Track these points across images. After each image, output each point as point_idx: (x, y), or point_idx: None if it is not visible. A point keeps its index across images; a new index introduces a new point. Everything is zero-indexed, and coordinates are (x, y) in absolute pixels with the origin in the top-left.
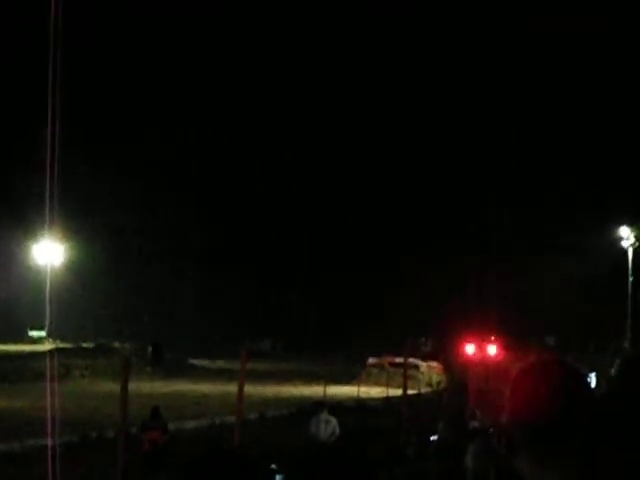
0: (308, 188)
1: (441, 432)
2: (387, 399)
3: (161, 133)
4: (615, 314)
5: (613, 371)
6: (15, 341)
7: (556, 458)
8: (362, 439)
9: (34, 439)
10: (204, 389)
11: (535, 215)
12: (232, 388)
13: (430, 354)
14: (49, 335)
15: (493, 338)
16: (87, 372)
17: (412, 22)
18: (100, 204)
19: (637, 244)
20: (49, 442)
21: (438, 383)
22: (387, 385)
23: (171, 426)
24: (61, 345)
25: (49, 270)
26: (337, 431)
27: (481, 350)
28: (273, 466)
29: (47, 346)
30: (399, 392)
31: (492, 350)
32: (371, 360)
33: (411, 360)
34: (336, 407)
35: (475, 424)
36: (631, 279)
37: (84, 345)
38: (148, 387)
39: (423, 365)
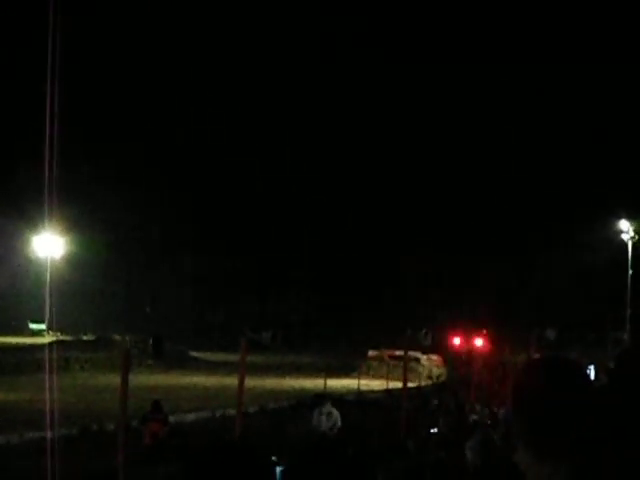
0: (306, 182)
1: (441, 425)
2: (387, 392)
3: (162, 129)
4: (614, 307)
5: (612, 363)
6: (15, 333)
7: (555, 451)
8: (362, 432)
9: (34, 432)
10: (205, 382)
11: (535, 209)
12: (232, 380)
13: (430, 347)
14: (49, 328)
15: (483, 332)
16: (87, 365)
17: (412, 22)
18: (101, 197)
19: (636, 237)
20: (48, 435)
21: (438, 376)
22: (387, 378)
23: (172, 419)
24: (61, 338)
25: (49, 263)
26: (339, 423)
27: (467, 342)
28: (273, 458)
29: (47, 339)
30: (399, 385)
31: (479, 342)
32: (371, 353)
33: (411, 353)
34: (339, 400)
35: (475, 417)
36: (630, 272)
37: (84, 338)
38: (149, 380)
39: (423, 358)
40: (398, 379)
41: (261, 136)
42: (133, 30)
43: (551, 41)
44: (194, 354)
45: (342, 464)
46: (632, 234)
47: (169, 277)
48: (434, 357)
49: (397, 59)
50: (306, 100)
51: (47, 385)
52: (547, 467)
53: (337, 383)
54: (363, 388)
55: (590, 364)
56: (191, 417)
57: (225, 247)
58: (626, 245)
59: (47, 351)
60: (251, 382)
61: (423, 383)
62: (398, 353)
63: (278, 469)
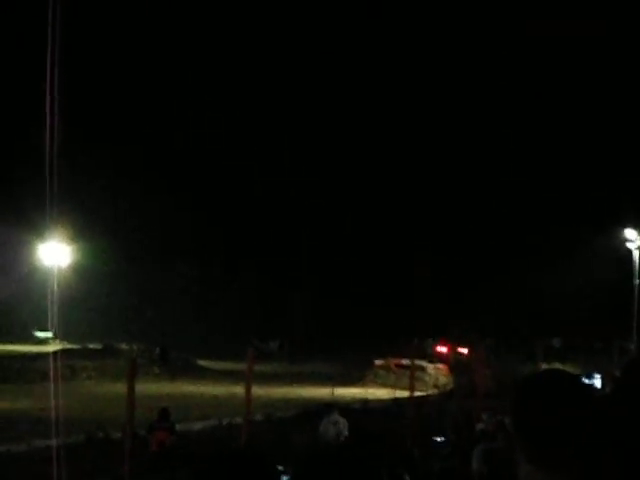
0: (313, 187)
1: (448, 434)
2: (394, 400)
3: (163, 136)
4: (621, 316)
5: (618, 372)
6: (21, 341)
7: (556, 463)
8: (369, 440)
9: (40, 440)
10: (211, 390)
11: (540, 217)
12: (239, 389)
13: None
14: (55, 336)
15: (468, 343)
16: (94, 373)
17: (412, 22)
18: (106, 205)
19: None
20: (55, 443)
21: (445, 385)
22: (394, 387)
23: (178, 427)
24: (67, 346)
25: (56, 271)
26: (345, 432)
27: (453, 351)
28: (280, 467)
29: (53, 347)
30: (406, 394)
31: (464, 352)
32: (377, 362)
33: (418, 362)
34: (345, 409)
35: (481, 426)
36: (637, 281)
37: (90, 346)
38: (155, 388)
39: (430, 367)
40: (405, 388)
41: (262, 139)
42: (132, 32)
43: (553, 47)
44: (200, 363)
45: (348, 473)
46: (638, 243)
47: (176, 285)
48: (440, 366)
49: (398, 62)
50: (307, 103)
51: (53, 393)
52: (548, 479)
53: (344, 392)
54: (370, 397)
55: (597, 373)
56: (198, 426)
57: (232, 255)
58: (632, 254)
59: (53, 359)
60: (258, 391)
61: (429, 392)
62: (404, 362)
63: (284, 478)
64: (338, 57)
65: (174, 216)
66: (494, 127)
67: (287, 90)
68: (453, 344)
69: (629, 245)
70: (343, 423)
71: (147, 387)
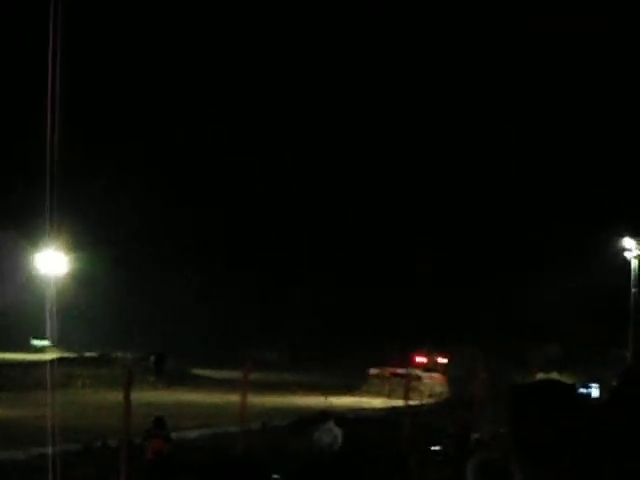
0: (312, 198)
1: (443, 444)
2: (389, 410)
3: (161, 144)
4: (618, 325)
5: (615, 382)
6: (18, 350)
7: (552, 472)
8: (364, 449)
9: (37, 447)
10: (207, 399)
11: (537, 226)
12: (235, 398)
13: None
14: (52, 344)
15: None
16: (90, 381)
17: (412, 22)
18: (103, 214)
19: None
20: (52, 451)
21: (440, 394)
22: (389, 396)
23: (174, 435)
24: (64, 354)
25: (53, 279)
26: (339, 441)
27: (431, 361)
28: (275, 476)
29: (50, 355)
30: (401, 403)
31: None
32: (373, 371)
33: (413, 371)
34: (340, 418)
35: (476, 436)
36: (634, 290)
37: (87, 355)
38: (151, 397)
39: (425, 376)
40: (400, 397)
41: (263, 138)
42: (132, 32)
43: (556, 50)
44: (197, 371)
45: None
46: (636, 252)
47: (173, 294)
48: (436, 375)
49: (398, 58)
50: (308, 101)
51: (50, 401)
52: None
53: (339, 401)
54: (365, 406)
55: (594, 382)
56: (194, 434)
57: (229, 263)
58: (630, 263)
59: (50, 368)
60: (254, 399)
61: (425, 401)
62: (400, 371)
63: None
64: (340, 55)
65: (172, 226)
66: (494, 135)
67: (288, 87)
68: (432, 354)
69: (627, 254)
70: (338, 432)
71: (143, 395)
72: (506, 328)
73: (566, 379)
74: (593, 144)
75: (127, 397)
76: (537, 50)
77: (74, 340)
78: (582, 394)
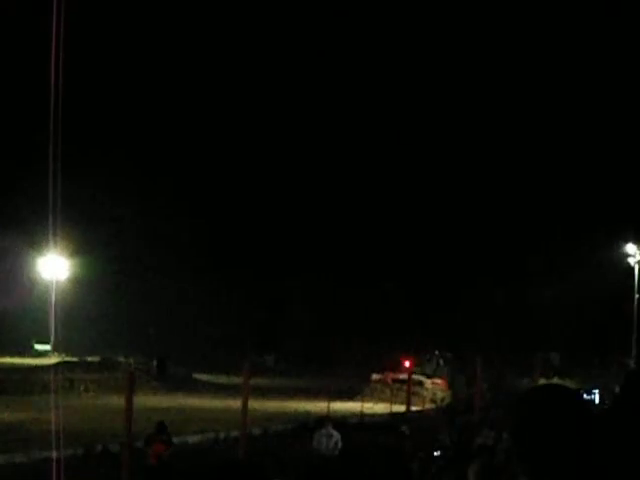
0: (310, 203)
1: (445, 449)
2: (391, 415)
3: (168, 148)
4: (620, 331)
5: (617, 387)
6: (20, 354)
7: (556, 477)
8: (365, 454)
9: (39, 451)
10: (208, 404)
11: (540, 232)
12: (236, 403)
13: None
14: (54, 349)
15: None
16: (92, 386)
17: (412, 22)
18: (105, 219)
19: None
20: (54, 455)
21: (442, 399)
22: (391, 401)
23: (175, 440)
24: (66, 359)
25: (54, 284)
26: (339, 445)
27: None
28: None
29: (52, 360)
30: (403, 408)
31: None
32: (374, 376)
33: (415, 376)
34: (340, 423)
35: (480, 441)
36: (637, 296)
37: (89, 359)
38: (152, 401)
39: (427, 381)
40: (402, 402)
41: (263, 146)
42: (131, 31)
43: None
44: (198, 376)
45: None
46: (639, 258)
47: (173, 299)
48: (438, 380)
49: (398, 57)
50: (309, 102)
51: (52, 405)
52: None
53: (341, 406)
54: (367, 411)
55: (595, 388)
56: (195, 438)
57: (230, 268)
58: (633, 269)
59: (52, 372)
60: (254, 404)
61: (427, 406)
62: (402, 376)
63: None
64: (341, 54)
65: (173, 230)
66: (497, 141)
67: (286, 87)
68: (418, 356)
69: (630, 260)
70: (336, 436)
71: (145, 400)
72: (507, 333)
73: (567, 385)
74: (598, 150)
75: (129, 401)
76: (541, 51)
77: (76, 344)
78: (586, 400)
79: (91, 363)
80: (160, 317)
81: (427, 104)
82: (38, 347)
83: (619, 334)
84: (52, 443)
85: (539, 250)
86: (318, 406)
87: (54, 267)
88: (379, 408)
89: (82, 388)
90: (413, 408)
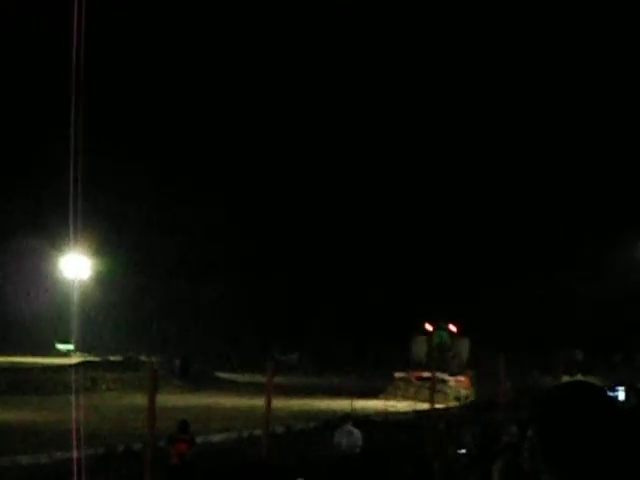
0: (335, 200)
1: (470, 447)
2: (415, 413)
3: (188, 146)
4: None
5: None
6: (42, 354)
7: (582, 475)
8: (389, 452)
9: (61, 451)
10: (231, 402)
11: (565, 230)
12: (259, 401)
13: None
14: (76, 348)
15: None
16: (114, 385)
17: (412, 22)
18: (127, 218)
19: None
20: (76, 455)
21: (466, 397)
22: (414, 399)
23: (198, 439)
24: (88, 358)
25: (77, 283)
26: (360, 443)
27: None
28: (300, 479)
29: (74, 359)
30: (426, 406)
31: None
32: (398, 374)
33: (438, 374)
34: (363, 421)
35: (504, 439)
36: None
37: (111, 358)
38: (175, 400)
39: (450, 379)
40: (425, 400)
41: (280, 150)
42: (138, 31)
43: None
44: (221, 375)
45: None
46: None
47: (197, 298)
48: (461, 378)
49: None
50: (315, 105)
51: (74, 405)
52: None
53: (364, 404)
54: (390, 409)
55: (620, 385)
56: (218, 438)
57: (253, 268)
58: None
59: (74, 371)
60: (278, 403)
61: (450, 404)
62: (425, 375)
63: None
64: (342, 54)
65: (196, 229)
66: (513, 143)
67: (285, 90)
68: (438, 321)
69: None
70: (357, 434)
71: (167, 399)
72: (530, 331)
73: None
74: (617, 152)
75: (151, 401)
76: (549, 51)
77: (98, 344)
78: (612, 397)
79: (113, 362)
80: (183, 316)
81: (445, 102)
82: (60, 346)
83: None
84: (74, 443)
85: (564, 247)
86: (342, 404)
87: (76, 267)
88: (403, 406)
89: (104, 387)
90: (437, 406)
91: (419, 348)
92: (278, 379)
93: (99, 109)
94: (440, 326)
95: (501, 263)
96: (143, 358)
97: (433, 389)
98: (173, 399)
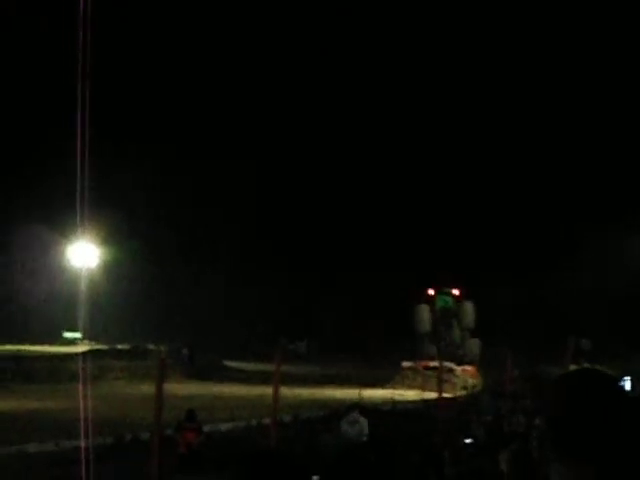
0: (345, 187)
1: (478, 436)
2: (422, 402)
3: (196, 135)
4: None
5: None
6: (50, 342)
7: (592, 461)
8: (396, 442)
9: (69, 440)
10: (239, 391)
11: (572, 218)
12: (267, 390)
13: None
14: (84, 337)
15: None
16: (122, 374)
17: (412, 22)
18: (135, 207)
19: None
20: (83, 443)
21: (473, 386)
22: (422, 388)
23: (206, 428)
24: (96, 347)
25: (84, 272)
26: (366, 432)
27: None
28: (315, 477)
29: (82, 348)
30: (434, 395)
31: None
32: (405, 363)
33: (446, 364)
34: (370, 410)
35: (511, 428)
36: None
37: (119, 347)
38: (183, 389)
39: (458, 369)
40: (433, 390)
41: (297, 146)
42: (165, 43)
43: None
44: (228, 363)
45: (367, 472)
46: None
47: (204, 286)
48: (469, 368)
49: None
50: (320, 104)
51: (82, 394)
52: (583, 477)
53: (372, 393)
54: (398, 398)
55: (626, 375)
56: (226, 426)
57: (261, 256)
58: None
59: (82, 360)
60: (286, 392)
61: (458, 393)
62: (432, 364)
63: (315, 478)
64: (343, 53)
65: (203, 218)
66: (518, 133)
67: (286, 89)
68: (441, 286)
69: None
70: (363, 422)
71: (175, 387)
72: (538, 320)
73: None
74: (621, 146)
75: (159, 389)
76: (553, 65)
77: (106, 332)
78: (620, 385)
79: (121, 351)
80: (190, 304)
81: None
82: (68, 335)
83: None
84: (82, 432)
85: (569, 237)
86: (350, 393)
87: (84, 255)
88: (410, 395)
89: (112, 376)
90: (444, 395)
91: (422, 317)
92: (286, 368)
93: (110, 98)
94: (442, 290)
95: (507, 251)
96: (151, 347)
97: (440, 378)
98: (181, 388)
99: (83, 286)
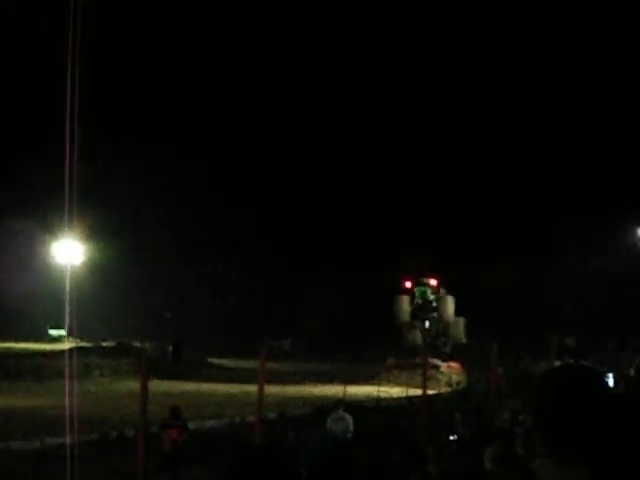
0: (329, 185)
1: (462, 432)
2: (407, 399)
3: (178, 135)
4: (634, 315)
5: (632, 371)
6: (35, 340)
7: (577, 457)
8: (381, 438)
9: (53, 437)
10: (224, 388)
11: (555, 215)
12: (252, 387)
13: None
14: (69, 334)
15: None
16: (107, 371)
17: (413, 22)
18: (120, 203)
19: None
20: (68, 440)
21: (458, 383)
22: (407, 385)
23: (191, 425)
24: (81, 344)
25: (69, 269)
26: (351, 429)
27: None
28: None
29: (67, 345)
30: (419, 392)
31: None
32: (390, 360)
33: (431, 360)
34: (355, 407)
35: (496, 424)
36: None
37: (104, 344)
38: (168, 386)
39: (443, 365)
40: (418, 386)
41: (282, 141)
42: (157, 34)
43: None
44: (214, 360)
45: (352, 469)
46: None
47: (189, 284)
48: (454, 364)
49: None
50: (320, 102)
51: (67, 391)
52: (569, 473)
53: (357, 390)
54: (383, 395)
55: (609, 372)
56: (210, 423)
57: (246, 254)
58: None
59: (67, 357)
60: (271, 389)
61: (443, 390)
62: (417, 360)
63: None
64: (343, 53)
65: (189, 215)
66: (511, 130)
67: (286, 89)
68: (417, 276)
69: None
70: (348, 419)
71: (160, 385)
72: (522, 317)
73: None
74: (615, 138)
75: (144, 387)
76: (552, 58)
77: (91, 329)
78: (604, 380)
79: (106, 348)
80: (175, 302)
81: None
82: (53, 332)
83: (634, 318)
84: (67, 429)
85: (553, 234)
86: (334, 390)
87: (69, 252)
88: (395, 392)
89: (97, 373)
90: (429, 392)
91: (401, 307)
92: (270, 365)
93: (96, 94)
94: (420, 282)
95: (491, 247)
96: (136, 344)
97: (425, 375)
98: (165, 385)
99: (68, 283)
